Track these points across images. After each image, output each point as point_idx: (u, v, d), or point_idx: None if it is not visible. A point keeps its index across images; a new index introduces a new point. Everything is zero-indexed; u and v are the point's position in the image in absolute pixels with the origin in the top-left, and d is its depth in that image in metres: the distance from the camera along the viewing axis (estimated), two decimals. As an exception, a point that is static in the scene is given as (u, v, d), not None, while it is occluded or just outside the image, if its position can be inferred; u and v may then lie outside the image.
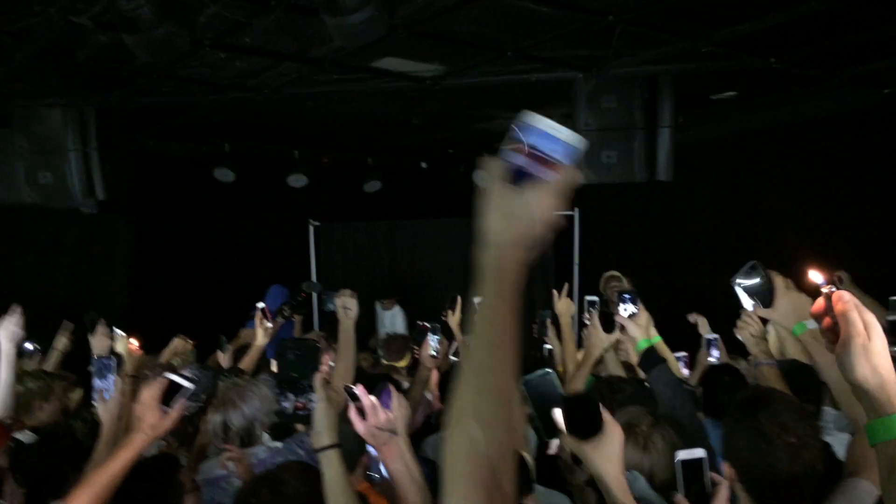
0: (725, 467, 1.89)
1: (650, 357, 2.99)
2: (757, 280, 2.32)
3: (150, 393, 2.27)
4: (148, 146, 7.82)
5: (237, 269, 8.52)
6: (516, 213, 1.05)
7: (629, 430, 2.19)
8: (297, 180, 8.68)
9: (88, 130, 6.13)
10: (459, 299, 4.93)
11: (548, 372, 2.06)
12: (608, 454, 1.69)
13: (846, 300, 1.28)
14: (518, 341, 1.07)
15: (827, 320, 1.31)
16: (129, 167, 6.61)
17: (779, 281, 2.27)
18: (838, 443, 2.66)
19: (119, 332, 4.38)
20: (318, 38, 4.94)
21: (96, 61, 5.17)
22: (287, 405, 2.05)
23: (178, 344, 4.66)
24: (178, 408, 2.26)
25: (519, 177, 1.03)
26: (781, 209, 7.67)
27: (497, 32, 5.10)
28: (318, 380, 2.00)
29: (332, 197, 9.31)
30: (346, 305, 3.34)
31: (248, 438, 2.80)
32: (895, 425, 1.23)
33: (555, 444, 2.07)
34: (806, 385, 3.18)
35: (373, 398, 2.06)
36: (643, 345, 3.04)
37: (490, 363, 1.06)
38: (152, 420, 2.22)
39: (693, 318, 5.37)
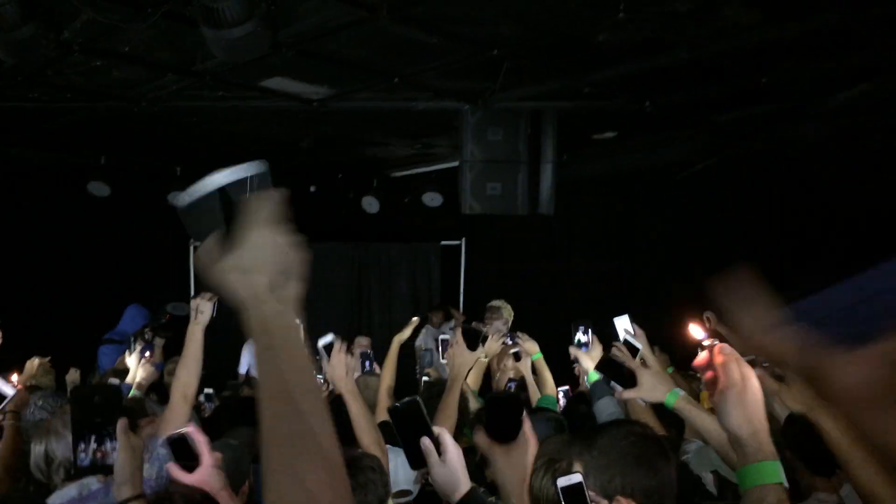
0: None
1: (597, 389, 3.13)
2: (614, 367, 2.55)
3: None
4: (11, 153, 7.37)
5: (111, 288, 8.09)
6: (251, 265, 0.97)
7: (550, 464, 2.22)
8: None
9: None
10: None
11: (415, 399, 2.04)
12: (516, 462, 1.68)
13: (727, 353, 1.37)
14: (313, 399, 0.95)
15: (709, 373, 1.39)
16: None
17: (633, 364, 2.47)
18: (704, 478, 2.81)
19: None
20: (200, 52, 4.82)
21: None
22: (85, 454, 1.90)
23: (28, 366, 4.35)
24: None
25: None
26: (650, 247, 8.03)
27: (385, 59, 5.13)
28: (121, 426, 1.87)
29: (215, 217, 9.02)
30: (200, 308, 3.02)
31: (74, 470, 2.58)
32: (763, 471, 1.30)
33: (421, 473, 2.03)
34: (668, 414, 3.33)
35: (201, 438, 1.96)
36: (593, 377, 3.16)
37: (280, 425, 0.93)
38: None
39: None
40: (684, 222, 7.88)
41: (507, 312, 6.60)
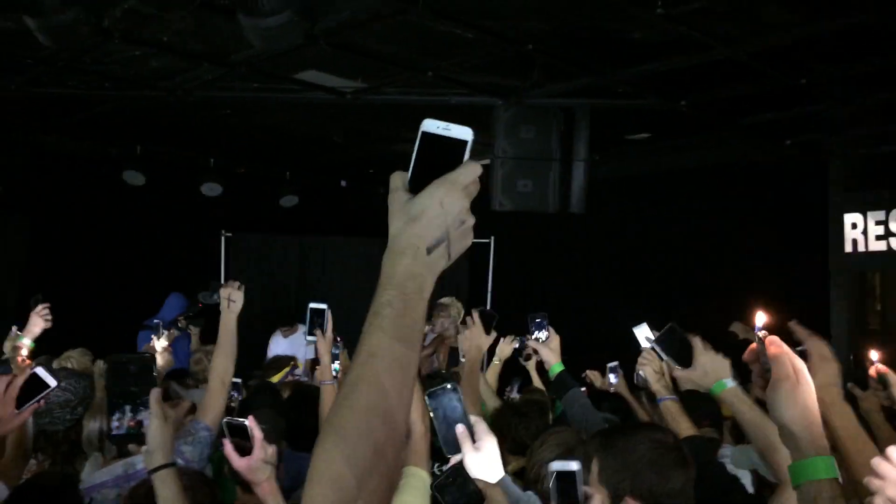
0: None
1: (564, 380, 3.10)
2: (674, 341, 2.39)
3: (8, 387, 2.13)
4: (48, 141, 7.50)
5: (143, 276, 8.21)
6: (419, 212, 0.96)
7: (568, 453, 2.22)
8: (212, 189, 8.47)
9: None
10: None
11: (453, 385, 2.03)
12: None
13: (778, 344, 1.34)
14: (414, 354, 0.97)
15: (756, 365, 1.36)
16: (24, 160, 6.27)
17: (696, 342, 2.34)
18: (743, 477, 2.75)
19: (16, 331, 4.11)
20: (236, 42, 4.86)
21: (-2, 46, 4.94)
22: (119, 422, 1.93)
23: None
24: (31, 408, 2.14)
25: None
26: (681, 249, 7.93)
27: (419, 53, 5.13)
28: (154, 395, 1.90)
29: (247, 208, 9.13)
30: (231, 297, 3.08)
31: (108, 438, 2.64)
32: (817, 466, 1.27)
33: (455, 459, 2.03)
34: (704, 410, 3.28)
35: (258, 434, 2.02)
36: (557, 368, 3.14)
37: (366, 374, 0.95)
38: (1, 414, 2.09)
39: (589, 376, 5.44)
40: (715, 224, 7.78)
41: (455, 310, 6.59)
